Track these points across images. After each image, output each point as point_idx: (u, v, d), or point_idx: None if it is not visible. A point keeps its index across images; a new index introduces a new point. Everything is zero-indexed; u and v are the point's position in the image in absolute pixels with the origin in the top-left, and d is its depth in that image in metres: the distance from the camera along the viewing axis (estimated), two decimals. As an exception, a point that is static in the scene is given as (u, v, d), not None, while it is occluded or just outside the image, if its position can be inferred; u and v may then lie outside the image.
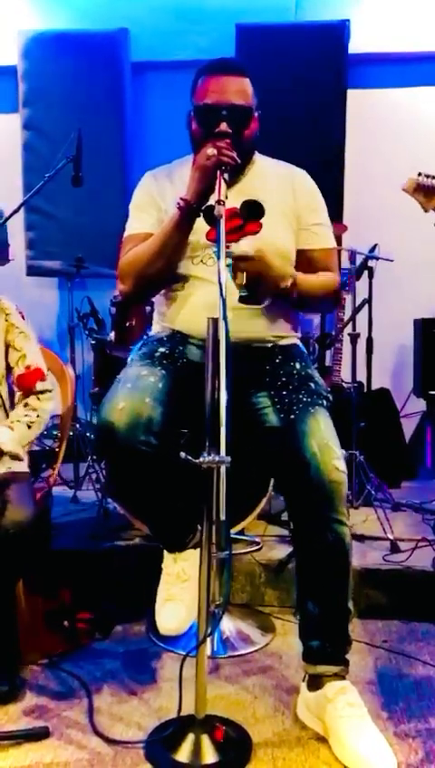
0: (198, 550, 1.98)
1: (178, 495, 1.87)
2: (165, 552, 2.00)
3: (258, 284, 1.81)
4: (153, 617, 1.92)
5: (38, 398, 2.21)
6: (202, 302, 1.94)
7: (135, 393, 1.77)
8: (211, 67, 1.96)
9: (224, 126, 1.85)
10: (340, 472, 1.75)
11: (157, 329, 2.11)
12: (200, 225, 1.91)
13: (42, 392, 2.22)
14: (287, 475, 1.82)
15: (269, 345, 1.99)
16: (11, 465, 2.11)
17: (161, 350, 1.97)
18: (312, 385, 1.92)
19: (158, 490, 1.84)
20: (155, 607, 1.94)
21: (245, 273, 1.77)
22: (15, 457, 2.09)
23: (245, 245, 1.80)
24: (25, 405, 2.19)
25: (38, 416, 2.18)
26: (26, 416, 2.16)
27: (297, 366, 1.97)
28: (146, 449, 1.72)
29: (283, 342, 2.02)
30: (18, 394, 2.25)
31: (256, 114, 1.98)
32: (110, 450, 1.77)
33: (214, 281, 1.91)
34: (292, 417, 1.82)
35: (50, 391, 2.24)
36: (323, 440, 1.76)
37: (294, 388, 1.89)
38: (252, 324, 1.95)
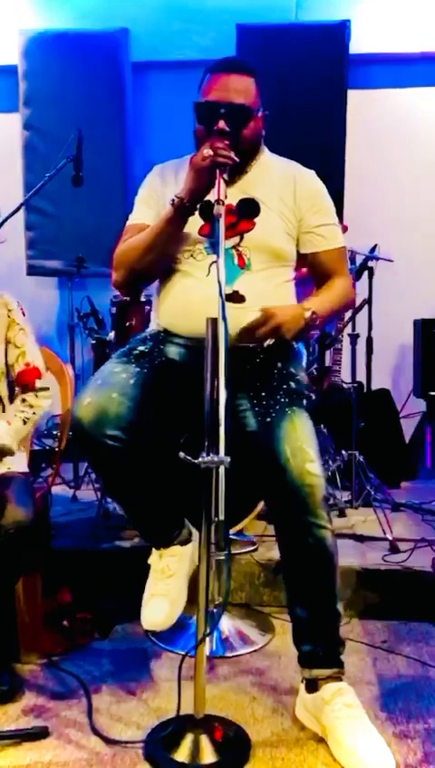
0: (185, 546, 1.99)
1: (160, 491, 1.88)
2: (152, 548, 2.01)
3: (282, 338, 1.84)
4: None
5: (36, 395, 2.22)
6: (186, 298, 1.95)
7: (102, 389, 1.81)
8: (217, 65, 1.96)
9: (222, 124, 1.84)
10: (313, 476, 1.72)
11: (152, 326, 2.11)
12: (194, 220, 1.91)
13: (40, 389, 2.23)
14: (265, 481, 1.81)
15: (252, 345, 1.95)
16: (10, 465, 2.12)
17: (140, 348, 1.98)
18: (292, 384, 1.90)
19: (136, 485, 1.86)
20: (142, 602, 1.95)
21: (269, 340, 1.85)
22: (7, 452, 2.10)
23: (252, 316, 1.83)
24: (23, 401, 2.21)
25: (34, 413, 2.20)
26: (23, 411, 2.18)
27: (278, 365, 1.95)
28: (113, 443, 1.75)
29: (268, 343, 1.95)
30: (17, 389, 2.25)
31: (259, 114, 1.97)
32: (80, 444, 1.82)
33: (200, 276, 1.93)
34: (268, 420, 1.81)
35: (47, 389, 2.25)
36: (298, 444, 1.75)
37: (273, 389, 1.87)
38: (237, 323, 1.86)
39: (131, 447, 1.76)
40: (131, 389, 1.82)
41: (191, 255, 1.97)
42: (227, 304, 1.80)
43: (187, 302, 1.95)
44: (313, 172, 2.09)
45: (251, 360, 1.96)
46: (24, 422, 2.17)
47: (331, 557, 1.78)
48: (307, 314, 1.87)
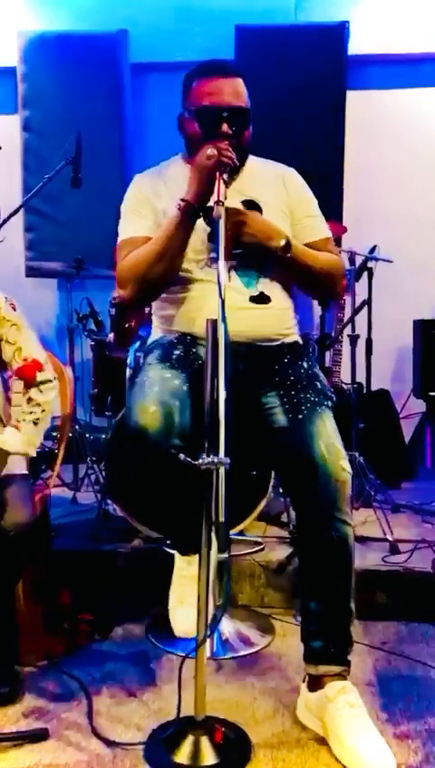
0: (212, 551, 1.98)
1: (196, 497, 1.87)
2: (177, 554, 2.00)
3: (241, 234, 1.84)
4: (154, 617, 1.92)
5: (40, 390, 2.15)
6: (211, 305, 1.93)
7: (164, 396, 1.77)
8: (207, 69, 1.96)
9: (225, 127, 1.87)
10: (346, 472, 1.78)
11: (159, 332, 2.10)
12: (201, 228, 1.91)
13: (42, 383, 2.16)
14: (295, 475, 1.83)
15: (276, 344, 2.00)
16: (10, 466, 2.11)
17: (176, 352, 1.95)
18: (318, 384, 1.94)
19: (179, 492, 1.83)
20: (169, 609, 1.95)
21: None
22: (27, 457, 2.08)
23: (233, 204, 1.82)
24: (29, 400, 2.14)
25: (43, 410, 2.13)
26: (31, 413, 2.11)
27: (305, 365, 1.99)
28: (175, 452, 1.71)
29: (288, 340, 2.04)
30: (19, 383, 2.20)
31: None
32: (142, 453, 1.77)
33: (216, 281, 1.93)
34: (300, 417, 1.83)
35: (50, 381, 2.18)
36: (331, 441, 1.79)
37: (303, 388, 1.91)
38: (260, 323, 1.96)
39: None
40: (186, 397, 1.81)
41: (206, 264, 1.96)
42: (256, 306, 1.94)
43: (208, 307, 1.90)
44: (293, 169, 2.14)
45: (279, 360, 1.98)
46: (36, 423, 2.11)
47: (351, 553, 1.82)
48: (282, 241, 1.89)
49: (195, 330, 1.99)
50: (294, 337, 2.08)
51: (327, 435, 1.80)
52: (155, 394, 1.78)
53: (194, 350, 1.98)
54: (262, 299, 1.96)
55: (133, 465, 1.84)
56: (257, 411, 1.93)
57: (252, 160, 2.09)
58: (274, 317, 1.99)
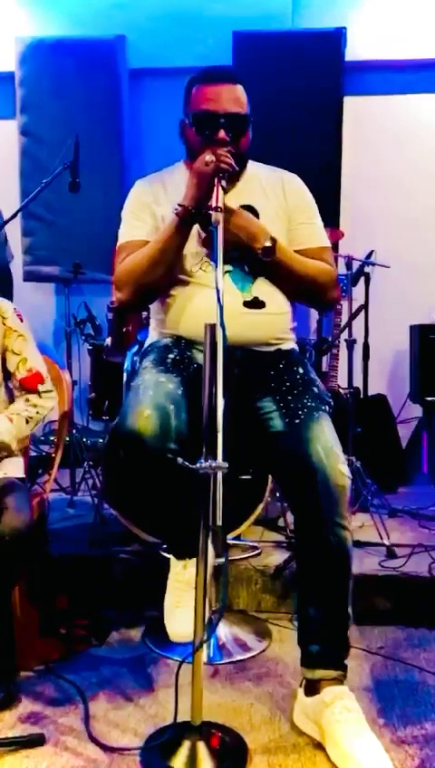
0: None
1: (192, 501, 1.87)
2: (172, 558, 2.00)
3: (225, 232, 1.79)
4: (151, 622, 1.91)
5: (40, 396, 2.19)
6: (205, 308, 1.94)
7: (159, 400, 1.77)
8: (206, 75, 1.97)
9: (222, 134, 1.88)
10: (345, 477, 1.77)
11: (155, 335, 2.11)
12: (195, 232, 1.92)
13: (44, 392, 2.21)
14: (293, 480, 1.83)
15: (272, 350, 2.01)
16: (6, 471, 2.11)
17: (171, 356, 1.96)
18: (315, 389, 1.94)
19: (175, 496, 1.83)
20: (163, 613, 1.94)
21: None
22: (6, 450, 2.09)
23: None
24: (27, 400, 2.18)
25: (37, 412, 2.17)
26: (26, 410, 2.15)
27: (300, 371, 1.98)
28: (171, 456, 1.72)
29: (284, 347, 2.04)
30: (17, 395, 2.23)
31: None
32: (136, 457, 1.76)
33: (212, 285, 1.94)
34: (297, 421, 1.83)
35: (52, 391, 2.24)
36: (329, 445, 1.78)
37: (299, 393, 1.90)
38: (254, 328, 1.96)
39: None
40: (181, 400, 1.81)
41: (200, 268, 1.97)
42: (250, 311, 1.93)
43: (202, 311, 1.92)
44: (295, 175, 2.13)
45: (274, 366, 1.98)
46: (27, 421, 2.13)
47: (349, 558, 1.82)
48: (267, 242, 1.87)
49: (189, 333, 2.00)
50: (292, 344, 2.08)
51: (325, 439, 1.79)
52: (150, 398, 1.77)
53: (189, 353, 1.99)
54: (256, 304, 1.96)
55: (128, 470, 1.83)
56: (253, 416, 1.93)
57: (253, 166, 2.09)
58: (268, 322, 1.99)
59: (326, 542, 1.77)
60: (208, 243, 1.95)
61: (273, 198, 2.05)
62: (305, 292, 2.04)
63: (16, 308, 2.26)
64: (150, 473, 1.77)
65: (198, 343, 1.99)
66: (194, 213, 1.86)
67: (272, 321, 2.00)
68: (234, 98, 1.93)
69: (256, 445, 1.93)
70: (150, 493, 1.85)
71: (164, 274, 1.95)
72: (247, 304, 1.94)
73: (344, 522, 1.78)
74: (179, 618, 1.90)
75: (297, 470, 1.79)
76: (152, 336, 2.13)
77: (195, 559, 1.94)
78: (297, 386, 1.93)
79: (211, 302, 1.89)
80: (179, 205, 1.87)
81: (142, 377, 1.89)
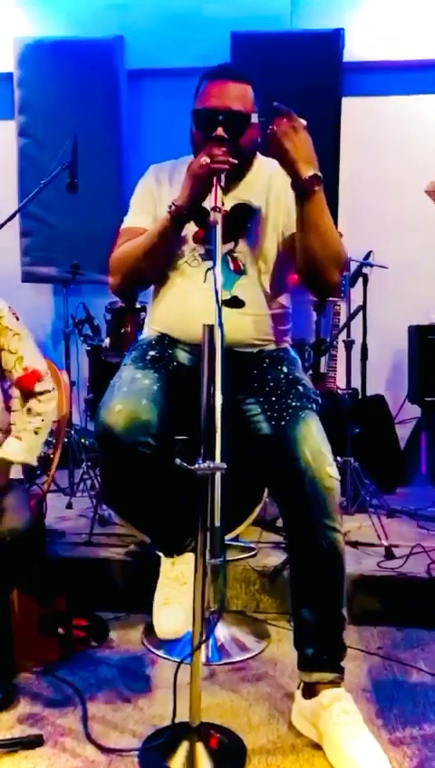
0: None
1: (176, 498, 1.87)
2: (162, 555, 2.00)
3: (280, 141, 1.79)
4: (149, 623, 1.91)
5: (39, 401, 2.19)
6: (189, 306, 1.95)
7: (131, 396, 1.78)
8: (214, 72, 1.96)
9: (220, 131, 1.85)
10: (333, 479, 1.75)
11: (147, 331, 2.12)
12: (189, 225, 1.91)
13: (41, 393, 2.20)
14: (281, 484, 1.82)
15: (255, 351, 1.98)
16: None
17: (151, 353, 1.97)
18: (300, 388, 1.91)
19: (157, 492, 1.84)
20: (153, 610, 1.94)
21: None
22: (28, 467, 2.10)
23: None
24: (28, 411, 2.18)
25: (42, 420, 2.17)
26: (30, 422, 2.16)
27: (284, 370, 1.96)
28: (145, 450, 1.73)
29: (269, 348, 2.01)
30: (17, 400, 2.23)
31: (257, 121, 1.97)
32: (110, 453, 1.77)
33: (197, 282, 1.94)
34: (282, 423, 1.81)
35: (49, 391, 2.23)
36: (316, 446, 1.76)
37: (283, 393, 1.89)
38: (236, 328, 1.92)
39: (158, 455, 1.74)
40: (157, 396, 1.81)
41: (186, 262, 1.98)
42: (227, 309, 1.86)
43: (185, 308, 1.95)
44: None
45: (257, 366, 1.97)
46: (36, 432, 2.15)
47: (341, 561, 1.80)
48: (312, 169, 1.80)
49: (172, 331, 2.01)
50: (281, 345, 2.04)
51: (313, 440, 1.77)
52: (123, 394, 1.79)
53: (170, 351, 1.99)
54: (234, 303, 1.93)
55: (107, 466, 1.86)
56: (240, 419, 1.91)
57: (262, 162, 2.04)
58: (248, 322, 1.95)
59: (317, 545, 1.76)
60: (202, 239, 1.95)
61: (275, 193, 1.98)
62: (320, 254, 1.85)
63: (11, 306, 2.25)
64: (126, 468, 1.78)
65: (180, 342, 2.00)
66: (186, 213, 1.86)
67: (252, 321, 1.96)
68: (238, 96, 1.91)
69: (244, 447, 1.92)
70: (132, 488, 1.85)
71: (151, 268, 1.97)
72: (226, 303, 1.89)
73: (335, 524, 1.77)
74: (167, 614, 1.90)
75: (285, 473, 1.77)
76: (145, 332, 2.14)
77: (183, 556, 1.96)
78: (281, 386, 1.91)
79: (194, 301, 1.91)
80: (173, 203, 1.86)
81: (120, 374, 1.91)
